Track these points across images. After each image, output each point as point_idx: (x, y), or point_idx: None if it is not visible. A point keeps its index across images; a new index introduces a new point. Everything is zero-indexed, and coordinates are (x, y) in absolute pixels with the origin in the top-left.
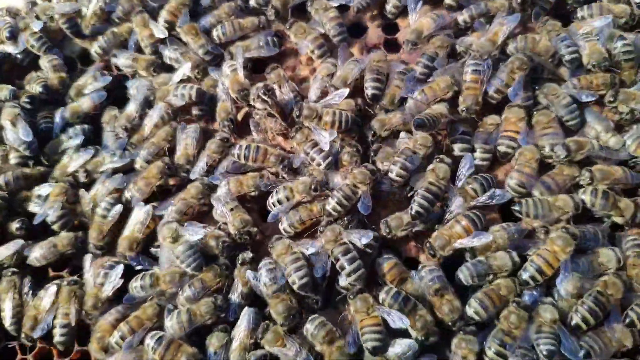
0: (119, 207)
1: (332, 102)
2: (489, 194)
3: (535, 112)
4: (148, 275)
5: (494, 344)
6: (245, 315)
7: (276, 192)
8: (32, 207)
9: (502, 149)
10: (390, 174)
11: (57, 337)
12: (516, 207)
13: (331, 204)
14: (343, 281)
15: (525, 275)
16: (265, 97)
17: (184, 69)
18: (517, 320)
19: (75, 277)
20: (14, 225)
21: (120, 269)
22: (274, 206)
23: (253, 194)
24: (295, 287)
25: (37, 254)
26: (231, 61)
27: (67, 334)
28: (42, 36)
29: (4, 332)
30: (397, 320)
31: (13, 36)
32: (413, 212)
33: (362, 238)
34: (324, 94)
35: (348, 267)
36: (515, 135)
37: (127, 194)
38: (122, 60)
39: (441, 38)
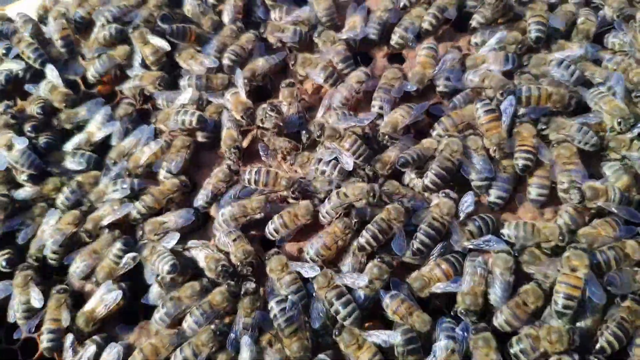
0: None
1: (354, 123)
2: (485, 239)
3: (556, 145)
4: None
5: None
6: (246, 346)
7: (276, 217)
8: None
9: (520, 162)
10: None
11: (45, 343)
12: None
13: (365, 237)
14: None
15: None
16: (272, 113)
17: (188, 94)
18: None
19: (64, 286)
20: None
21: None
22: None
23: (258, 216)
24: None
25: None
26: (232, 88)
27: (55, 340)
28: (37, 47)
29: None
30: (389, 339)
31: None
32: (414, 249)
33: (356, 281)
34: (348, 100)
35: (342, 311)
36: (533, 149)
37: None
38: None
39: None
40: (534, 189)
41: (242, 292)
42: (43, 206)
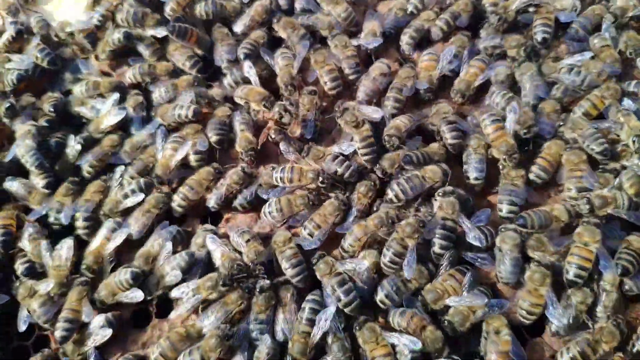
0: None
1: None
2: (481, 256)
3: (568, 150)
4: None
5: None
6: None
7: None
8: None
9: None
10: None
11: (60, 331)
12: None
13: (382, 260)
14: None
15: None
16: (291, 108)
17: (189, 96)
18: None
19: (87, 278)
20: None
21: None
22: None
23: (303, 212)
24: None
25: None
26: (241, 84)
27: (70, 330)
28: (44, 47)
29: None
30: (410, 344)
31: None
32: (435, 254)
33: (357, 267)
34: (374, 92)
35: (344, 298)
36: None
37: None
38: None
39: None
40: (504, 206)
41: (258, 290)
42: None
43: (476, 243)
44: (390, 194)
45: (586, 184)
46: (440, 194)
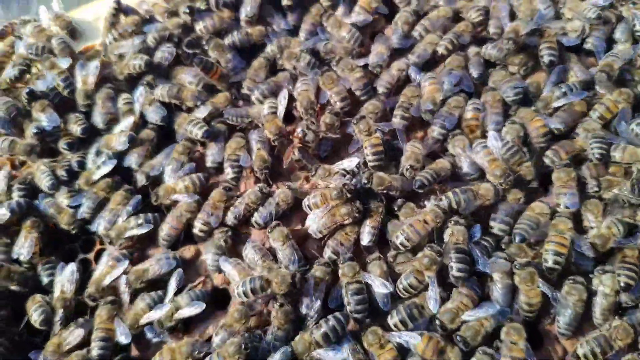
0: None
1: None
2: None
3: (557, 168)
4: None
5: None
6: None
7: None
8: None
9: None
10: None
11: (95, 350)
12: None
13: (398, 287)
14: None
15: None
16: (313, 127)
17: (204, 110)
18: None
19: (114, 297)
20: None
21: None
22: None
23: (347, 222)
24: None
25: None
26: (268, 102)
27: (106, 349)
28: (68, 76)
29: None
30: (410, 339)
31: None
32: (454, 278)
33: (380, 286)
34: (392, 86)
35: (354, 306)
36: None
37: None
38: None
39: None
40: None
41: (278, 305)
42: None
43: (487, 270)
44: (444, 202)
45: (570, 200)
46: (452, 222)
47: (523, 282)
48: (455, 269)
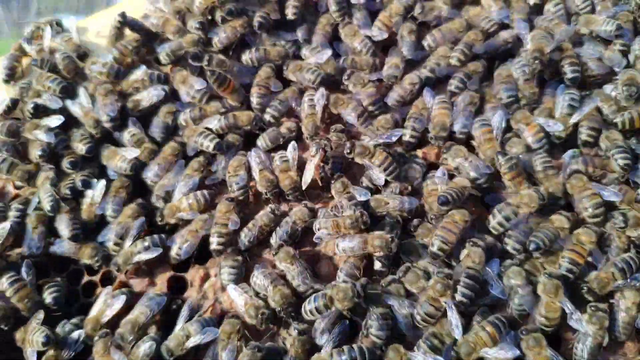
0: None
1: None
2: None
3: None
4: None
5: None
6: None
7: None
8: None
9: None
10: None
11: None
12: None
13: (415, 317)
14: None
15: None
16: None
17: (215, 120)
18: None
19: (106, 330)
20: None
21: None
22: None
23: (377, 255)
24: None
25: None
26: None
27: None
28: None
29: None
30: None
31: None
32: (458, 301)
33: (405, 308)
34: (403, 98)
35: (375, 331)
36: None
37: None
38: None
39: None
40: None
41: (295, 332)
42: None
43: (503, 297)
44: (493, 222)
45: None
46: (470, 243)
47: (546, 293)
48: (460, 293)
